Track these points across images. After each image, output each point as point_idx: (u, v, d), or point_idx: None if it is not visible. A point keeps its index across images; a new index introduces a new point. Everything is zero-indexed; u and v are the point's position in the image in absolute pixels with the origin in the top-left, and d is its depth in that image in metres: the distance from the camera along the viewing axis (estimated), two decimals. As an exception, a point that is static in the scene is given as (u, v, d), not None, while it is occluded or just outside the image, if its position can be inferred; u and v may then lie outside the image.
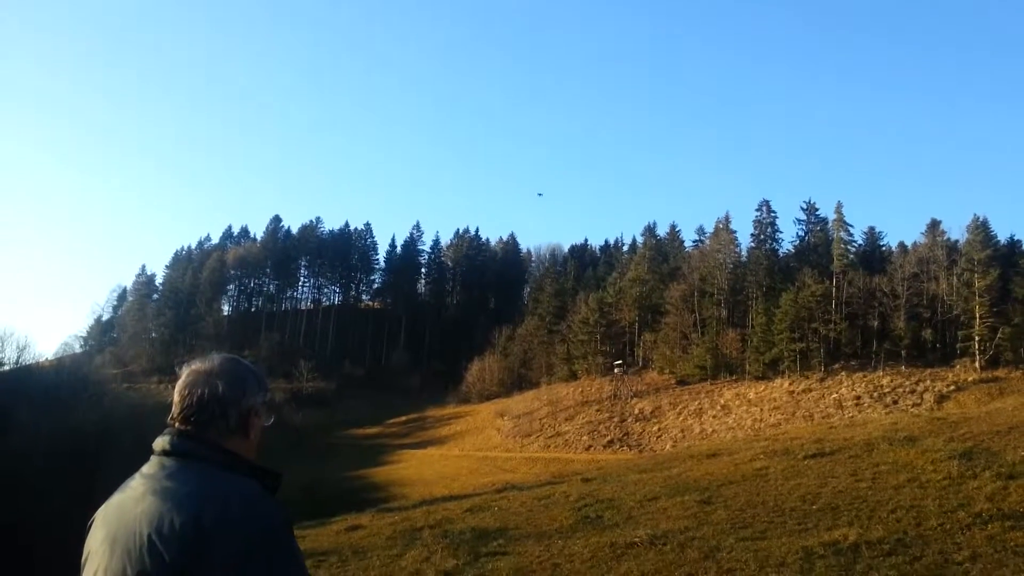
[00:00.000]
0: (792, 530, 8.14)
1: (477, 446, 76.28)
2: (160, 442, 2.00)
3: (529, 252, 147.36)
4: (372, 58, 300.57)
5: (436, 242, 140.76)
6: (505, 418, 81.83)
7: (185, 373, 2.08)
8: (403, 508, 14.71)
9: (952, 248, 75.06)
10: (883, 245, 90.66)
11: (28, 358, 79.82)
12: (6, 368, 73.65)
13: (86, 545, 1.97)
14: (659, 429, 67.45)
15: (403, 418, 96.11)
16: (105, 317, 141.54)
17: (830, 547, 7.18)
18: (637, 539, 8.23)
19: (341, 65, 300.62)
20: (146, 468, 1.98)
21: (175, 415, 2.03)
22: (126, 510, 1.91)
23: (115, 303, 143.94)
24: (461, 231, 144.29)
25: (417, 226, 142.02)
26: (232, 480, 1.93)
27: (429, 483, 55.24)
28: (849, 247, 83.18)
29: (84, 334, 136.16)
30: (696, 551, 7.59)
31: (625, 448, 64.28)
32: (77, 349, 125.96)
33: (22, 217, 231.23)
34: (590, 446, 67.62)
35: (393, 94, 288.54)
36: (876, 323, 71.26)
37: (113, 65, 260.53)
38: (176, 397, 2.04)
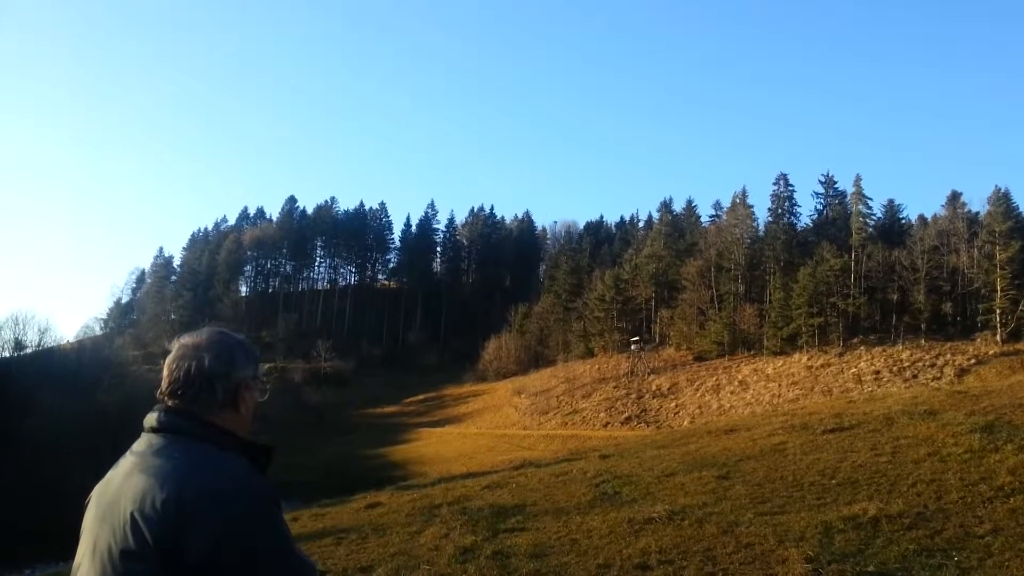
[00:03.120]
0: (811, 505, 8.11)
1: (495, 424, 76.66)
2: (149, 419, 1.96)
3: (544, 229, 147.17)
4: (386, 37, 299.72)
5: (451, 221, 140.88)
6: (522, 396, 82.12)
7: (175, 347, 2.03)
8: (422, 486, 14.78)
9: (973, 220, 74.15)
10: (902, 218, 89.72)
11: (49, 341, 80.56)
12: (28, 351, 74.47)
13: (83, 523, 1.95)
14: (676, 405, 67.44)
15: (421, 397, 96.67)
16: (124, 299, 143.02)
17: (850, 521, 7.14)
18: (655, 515, 8.23)
19: (356, 45, 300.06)
20: (136, 445, 1.96)
21: (163, 390, 1.98)
22: (113, 488, 1.89)
23: (134, 285, 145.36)
24: (476, 209, 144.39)
25: (432, 205, 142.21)
26: (219, 456, 1.89)
27: (447, 461, 55.61)
28: (868, 220, 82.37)
29: (104, 316, 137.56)
30: (714, 526, 7.58)
31: (643, 424, 64.35)
32: (97, 331, 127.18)
33: (41, 201, 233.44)
34: (607, 423, 67.77)
35: (407, 72, 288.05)
36: (895, 297, 70.69)
37: (130, 46, 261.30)
38: (164, 372, 2.01)
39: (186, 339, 2.06)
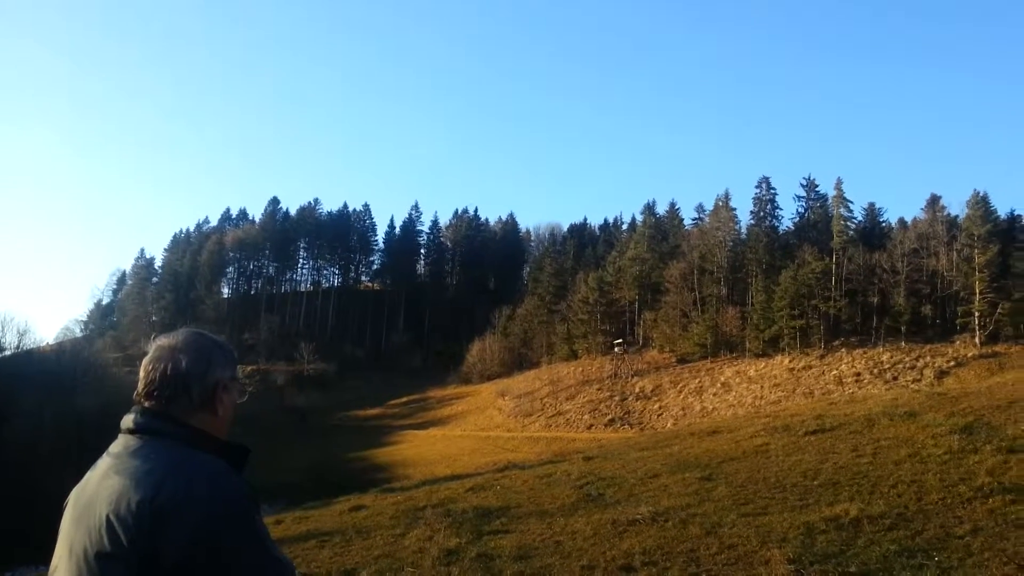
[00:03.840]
0: (793, 506, 8.17)
1: (479, 426, 76.56)
2: (126, 420, 1.95)
3: (528, 232, 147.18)
4: (370, 39, 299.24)
5: (435, 223, 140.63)
6: (506, 398, 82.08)
7: (151, 349, 2.02)
8: (406, 488, 14.78)
9: (952, 223, 74.83)
10: (883, 221, 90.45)
11: (29, 343, 79.76)
12: (7, 353, 73.63)
13: (60, 525, 1.94)
14: (660, 407, 67.63)
15: (404, 399, 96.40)
16: (105, 301, 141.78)
17: (831, 522, 7.20)
18: (639, 516, 8.26)
19: (339, 47, 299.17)
20: (112, 447, 1.96)
21: (140, 392, 1.99)
22: (90, 490, 1.89)
23: (115, 287, 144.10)
24: (460, 211, 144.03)
25: (416, 207, 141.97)
26: (194, 457, 1.88)
27: (431, 463, 55.47)
28: (849, 223, 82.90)
29: (84, 318, 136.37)
30: (698, 527, 7.62)
31: (626, 426, 64.49)
32: (77, 333, 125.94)
33: (21, 201, 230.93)
34: (591, 425, 67.85)
35: (390, 74, 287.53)
36: (876, 299, 71.24)
37: (113, 47, 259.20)
38: (141, 373, 2.00)
39: (163, 340, 2.05)
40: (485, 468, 20.22)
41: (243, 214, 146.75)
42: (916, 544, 6.37)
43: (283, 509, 14.91)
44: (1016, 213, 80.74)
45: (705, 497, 9.10)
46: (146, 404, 1.97)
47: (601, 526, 8.18)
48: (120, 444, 1.94)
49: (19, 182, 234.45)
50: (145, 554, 1.73)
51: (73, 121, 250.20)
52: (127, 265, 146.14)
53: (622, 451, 15.12)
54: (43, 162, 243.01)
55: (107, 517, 1.78)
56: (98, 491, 1.85)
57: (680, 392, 69.35)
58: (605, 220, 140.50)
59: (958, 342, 64.10)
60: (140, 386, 1.99)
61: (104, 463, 1.93)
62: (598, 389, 75.68)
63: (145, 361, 2.01)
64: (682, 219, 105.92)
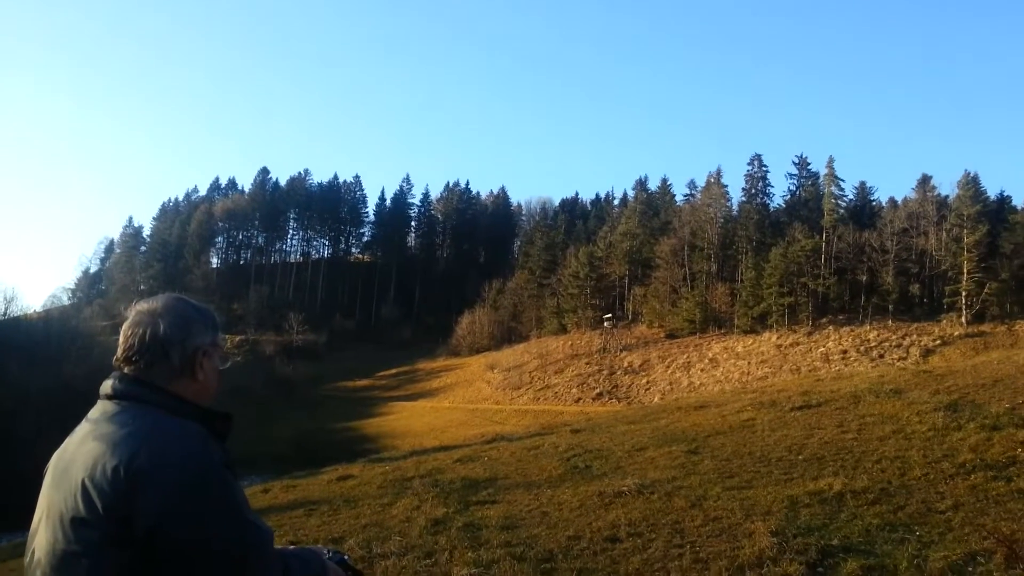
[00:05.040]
0: (778, 479, 8.24)
1: (467, 398, 76.84)
2: (105, 385, 1.93)
3: (520, 206, 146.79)
4: (361, 10, 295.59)
5: (426, 195, 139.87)
6: (495, 371, 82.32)
7: (131, 314, 2.00)
8: (394, 459, 14.83)
9: (942, 203, 75.12)
10: (874, 200, 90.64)
11: (15, 310, 78.93)
12: (-6, 320, 73.06)
13: (41, 489, 1.93)
14: (648, 382, 68.02)
15: (393, 371, 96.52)
16: (93, 269, 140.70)
17: (815, 496, 7.27)
18: (625, 488, 8.32)
19: (330, 17, 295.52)
20: (91, 412, 1.94)
21: (119, 357, 1.96)
22: (68, 455, 1.87)
23: (103, 255, 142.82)
24: (451, 184, 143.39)
25: (407, 179, 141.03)
26: (171, 423, 1.86)
27: (419, 435, 55.67)
28: (840, 202, 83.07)
29: (72, 286, 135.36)
30: (683, 500, 7.68)
31: (614, 400, 64.87)
32: (65, 301, 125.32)
33: (7, 168, 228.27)
34: (579, 398, 68.22)
35: (380, 44, 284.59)
36: (865, 278, 71.55)
37: (99, 13, 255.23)
38: (120, 338, 1.98)
39: (142, 305, 2.02)
40: (473, 440, 20.31)
41: (232, 184, 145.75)
42: (898, 518, 6.44)
43: (271, 478, 14.96)
44: (1006, 194, 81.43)
45: (691, 470, 9.17)
46: (125, 369, 1.95)
47: (587, 498, 8.24)
48: (99, 410, 1.92)
49: (6, 149, 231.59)
50: (118, 519, 1.72)
51: (61, 88, 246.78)
52: (115, 233, 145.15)
53: (609, 424, 15.19)
54: (32, 129, 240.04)
55: (83, 482, 1.76)
56: (75, 456, 1.83)
57: (668, 367, 69.73)
58: (597, 195, 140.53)
59: (945, 321, 64.60)
60: (119, 351, 1.96)
61: (83, 428, 1.91)
62: (587, 363, 76.00)
63: (125, 326, 1.99)
64: (674, 195, 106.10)
